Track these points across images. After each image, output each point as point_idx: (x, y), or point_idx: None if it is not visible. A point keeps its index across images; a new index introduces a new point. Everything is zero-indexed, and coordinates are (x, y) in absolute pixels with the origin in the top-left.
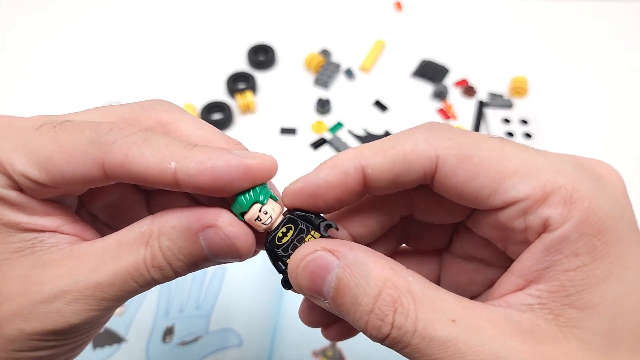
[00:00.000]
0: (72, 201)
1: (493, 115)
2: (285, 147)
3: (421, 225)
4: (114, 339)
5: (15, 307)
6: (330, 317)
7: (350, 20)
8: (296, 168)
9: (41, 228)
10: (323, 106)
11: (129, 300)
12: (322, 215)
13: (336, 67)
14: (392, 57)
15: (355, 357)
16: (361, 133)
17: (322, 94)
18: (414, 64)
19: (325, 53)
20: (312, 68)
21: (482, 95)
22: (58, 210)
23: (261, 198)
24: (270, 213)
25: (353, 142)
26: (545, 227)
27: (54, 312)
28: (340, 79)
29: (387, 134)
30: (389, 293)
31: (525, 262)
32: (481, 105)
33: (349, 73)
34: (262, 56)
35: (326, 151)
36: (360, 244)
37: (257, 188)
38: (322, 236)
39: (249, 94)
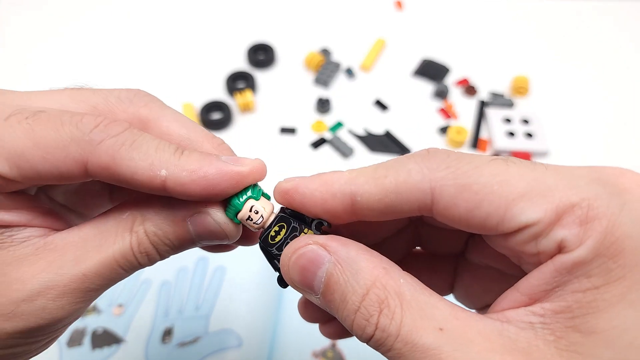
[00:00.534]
0: (33, 188)
1: (494, 115)
2: (285, 147)
3: (433, 228)
4: (113, 339)
5: None
6: (328, 313)
7: (351, 19)
8: (296, 168)
9: (9, 223)
10: (323, 105)
11: (128, 301)
12: None
13: (336, 66)
14: (393, 56)
15: (356, 358)
16: (361, 132)
17: (322, 93)
18: (414, 63)
19: (325, 52)
20: (312, 67)
21: (483, 94)
22: (25, 202)
23: (254, 196)
24: (262, 212)
25: (353, 142)
26: (559, 249)
27: (39, 309)
28: (341, 78)
29: (387, 133)
30: (376, 293)
31: (533, 280)
32: (482, 104)
33: (349, 72)
34: (261, 55)
35: (326, 151)
36: (361, 242)
37: (249, 188)
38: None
39: (248, 93)
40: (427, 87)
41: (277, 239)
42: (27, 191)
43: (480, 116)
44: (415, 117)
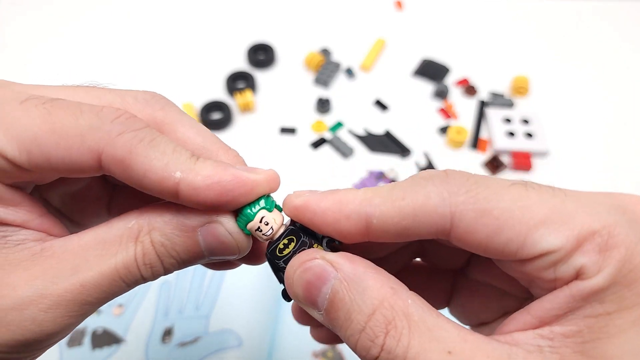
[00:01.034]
0: (30, 185)
1: (494, 115)
2: (285, 147)
3: (439, 245)
4: (113, 339)
5: None
6: None
7: (351, 19)
8: (296, 168)
9: (5, 221)
10: (323, 105)
11: (128, 301)
12: None
13: (336, 66)
14: (393, 56)
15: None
16: (361, 133)
17: (322, 93)
18: (414, 63)
19: (325, 52)
20: (312, 67)
21: (483, 94)
22: (25, 201)
23: (267, 207)
24: (272, 224)
25: (353, 142)
26: (577, 276)
27: (28, 320)
28: (341, 78)
29: (387, 133)
30: (383, 313)
31: (546, 304)
32: (482, 105)
33: (349, 72)
34: (261, 55)
35: (326, 151)
36: (364, 257)
37: (261, 198)
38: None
39: (248, 93)
40: (427, 87)
41: (285, 252)
42: (24, 189)
43: (480, 116)
44: (415, 117)
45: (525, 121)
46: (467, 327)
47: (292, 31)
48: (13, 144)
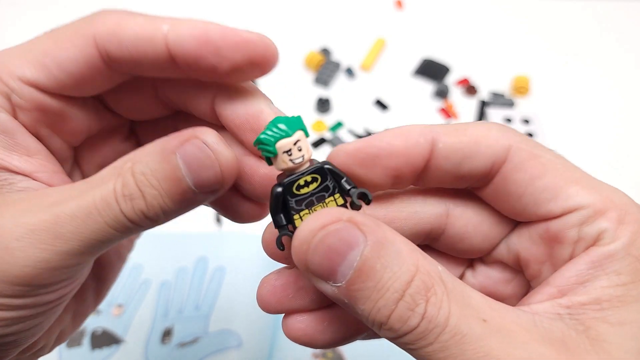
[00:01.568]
0: (65, 153)
1: (494, 115)
2: None
3: (450, 235)
4: (112, 340)
5: None
6: (300, 301)
7: (351, 19)
8: None
9: (15, 169)
10: (323, 105)
11: (128, 301)
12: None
13: (336, 65)
14: (393, 55)
15: (356, 359)
16: (362, 132)
17: (322, 93)
18: (414, 63)
19: (325, 52)
20: (312, 67)
21: (483, 94)
22: (41, 153)
23: (305, 131)
24: (304, 152)
25: None
26: (595, 241)
27: (1, 249)
28: (341, 77)
29: None
30: (422, 279)
31: (567, 273)
32: (483, 104)
33: (349, 72)
34: None
35: (326, 151)
36: None
37: (294, 117)
38: (343, 205)
39: None
40: (427, 87)
41: (302, 191)
42: (58, 153)
43: (481, 116)
44: (415, 116)
45: (526, 121)
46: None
47: (292, 30)
48: (29, 65)
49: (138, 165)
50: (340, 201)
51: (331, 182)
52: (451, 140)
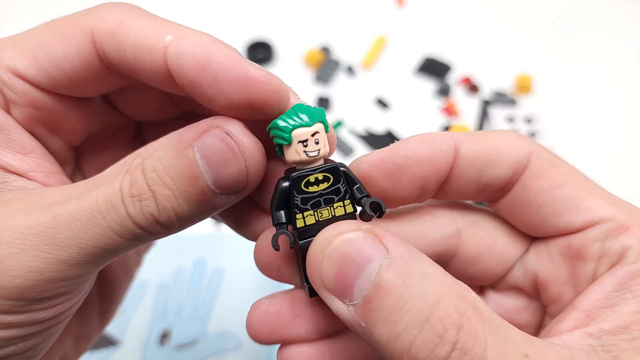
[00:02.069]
0: (66, 155)
1: (497, 114)
2: None
3: (463, 258)
4: (110, 342)
5: None
6: (297, 330)
7: (351, 17)
8: None
9: (8, 167)
10: (323, 104)
11: (125, 303)
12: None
13: (336, 64)
14: (394, 54)
15: None
16: (362, 132)
17: (322, 91)
18: (416, 61)
19: (325, 50)
20: (312, 65)
21: (485, 92)
22: (36, 151)
23: (326, 125)
24: (322, 147)
25: (354, 141)
26: (620, 258)
27: None
28: (341, 76)
29: (388, 133)
30: (452, 303)
31: (593, 295)
32: (485, 104)
33: (350, 70)
34: (260, 53)
35: None
36: None
37: (317, 108)
38: (352, 213)
39: None
40: (428, 85)
41: (310, 189)
42: (58, 153)
43: (483, 115)
44: (417, 115)
45: (529, 120)
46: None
47: (292, 28)
48: (22, 56)
49: (149, 160)
50: (350, 209)
51: (343, 185)
52: (474, 146)
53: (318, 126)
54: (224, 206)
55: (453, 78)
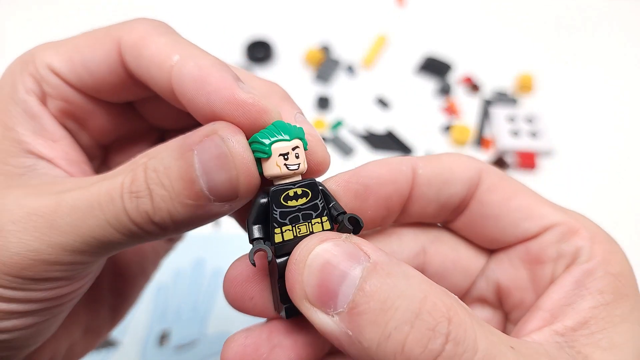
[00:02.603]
0: (94, 151)
1: (498, 114)
2: None
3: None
4: (108, 342)
5: None
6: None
7: (351, 15)
8: None
9: (40, 154)
10: (323, 104)
11: None
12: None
13: (336, 63)
14: (394, 53)
15: None
16: (362, 131)
17: (322, 91)
18: (416, 60)
19: (325, 49)
20: (312, 64)
21: (486, 92)
22: (64, 140)
23: (305, 143)
24: (301, 162)
25: (354, 141)
26: (573, 259)
27: None
28: (341, 75)
29: (389, 132)
30: (439, 298)
31: (554, 295)
32: (486, 103)
33: (350, 69)
34: (260, 52)
35: None
36: None
37: (296, 127)
38: (329, 230)
39: None
40: (429, 85)
41: (289, 203)
42: (85, 146)
43: (484, 115)
44: (417, 115)
45: (530, 120)
46: None
47: (292, 27)
48: (59, 57)
49: (153, 161)
50: (327, 225)
51: (321, 202)
52: (429, 166)
53: (297, 142)
54: (218, 214)
55: (454, 77)
